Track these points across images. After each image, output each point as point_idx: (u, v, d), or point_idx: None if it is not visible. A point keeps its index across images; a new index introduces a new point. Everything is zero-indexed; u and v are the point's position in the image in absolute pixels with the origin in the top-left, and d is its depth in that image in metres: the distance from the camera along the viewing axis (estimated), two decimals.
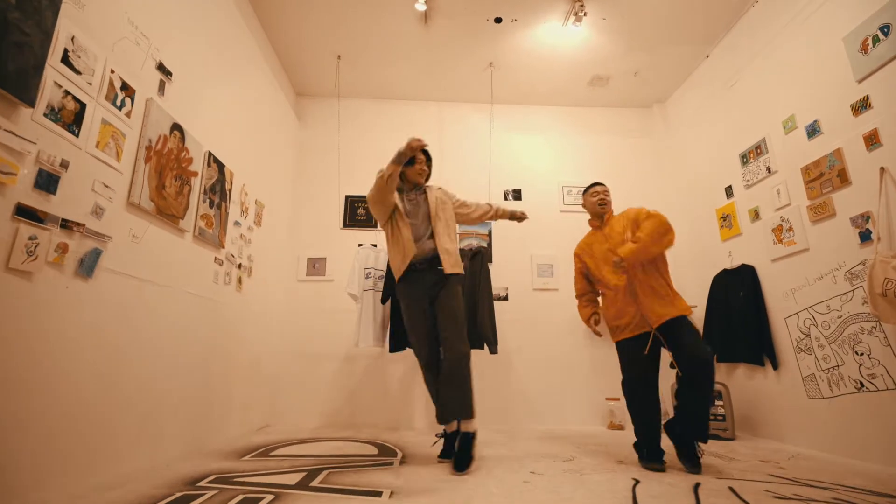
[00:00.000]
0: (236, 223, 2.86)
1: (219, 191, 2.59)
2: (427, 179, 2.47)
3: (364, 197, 3.95)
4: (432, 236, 2.28)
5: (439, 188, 2.49)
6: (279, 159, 3.70)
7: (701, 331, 3.46)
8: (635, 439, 2.28)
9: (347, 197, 4.00)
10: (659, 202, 4.13)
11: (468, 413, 2.11)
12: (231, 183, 2.74)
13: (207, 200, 2.45)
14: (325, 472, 1.96)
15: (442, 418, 2.27)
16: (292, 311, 3.69)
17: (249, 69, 3.12)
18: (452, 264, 2.24)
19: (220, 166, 2.60)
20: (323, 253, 3.84)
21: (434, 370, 2.30)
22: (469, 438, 2.08)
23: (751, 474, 1.99)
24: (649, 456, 2.15)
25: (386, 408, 3.54)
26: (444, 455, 2.25)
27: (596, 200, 2.49)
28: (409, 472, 2.03)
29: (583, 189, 4.12)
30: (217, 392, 2.62)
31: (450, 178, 4.09)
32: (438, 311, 2.21)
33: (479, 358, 3.48)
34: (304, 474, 1.94)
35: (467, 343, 2.20)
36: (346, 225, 3.92)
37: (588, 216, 2.60)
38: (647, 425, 2.22)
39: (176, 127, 2.13)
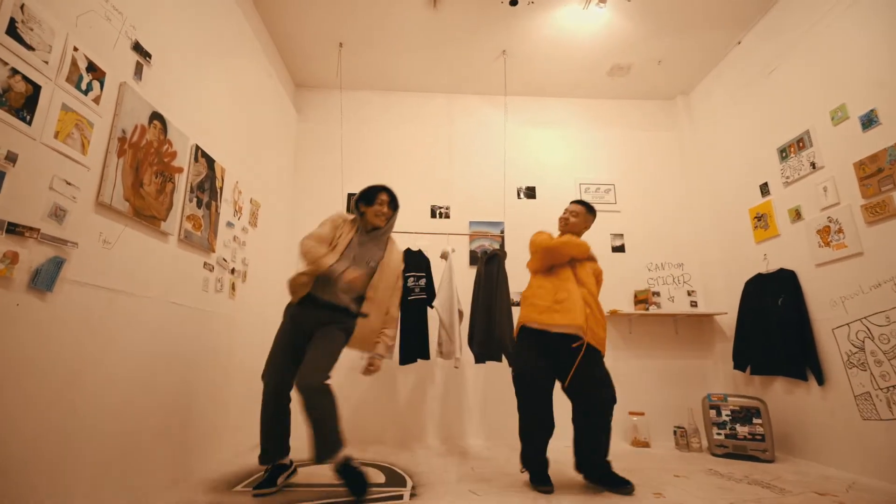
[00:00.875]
0: (229, 224, 2.61)
1: (208, 189, 2.34)
2: (388, 226, 2.19)
3: None
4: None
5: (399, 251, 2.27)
6: (277, 155, 3.45)
7: (733, 338, 3.20)
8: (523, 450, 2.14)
9: (350, 195, 3.74)
10: (683, 200, 3.88)
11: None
12: (222, 180, 2.49)
13: (195, 199, 2.20)
14: None
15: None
16: None
17: (243, 56, 2.86)
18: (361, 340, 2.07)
19: (210, 162, 2.35)
20: None
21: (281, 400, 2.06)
22: (349, 465, 1.83)
23: None
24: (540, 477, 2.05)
25: (395, 423, 3.29)
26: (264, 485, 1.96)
27: (560, 218, 2.42)
28: None
29: (600, 186, 3.91)
30: (206, 411, 2.37)
31: (460, 177, 3.84)
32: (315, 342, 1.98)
33: (496, 370, 3.24)
34: None
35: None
36: None
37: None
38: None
39: (156, 116, 1.88)
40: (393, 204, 2.18)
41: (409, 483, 2.13)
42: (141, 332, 1.82)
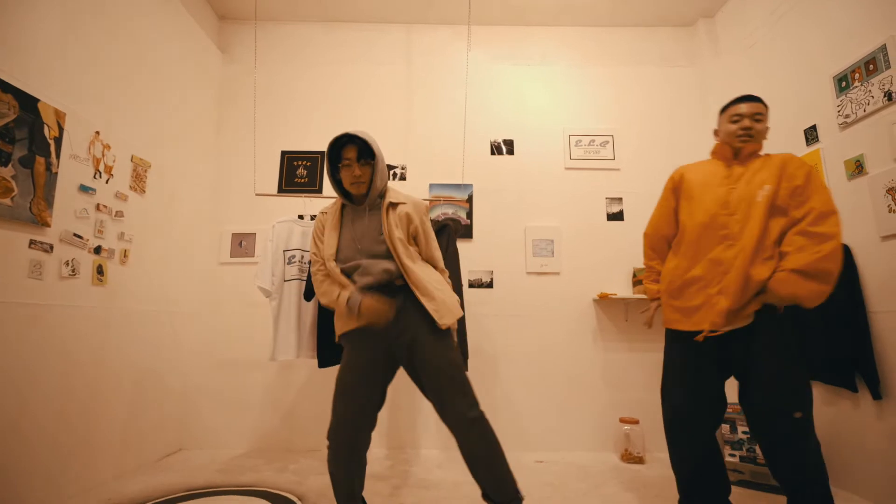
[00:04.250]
0: (84, 188, 1.98)
1: (26, 139, 1.69)
2: (374, 186, 1.51)
3: (306, 153, 3.03)
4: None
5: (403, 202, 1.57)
6: (186, 103, 2.76)
7: None
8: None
9: (284, 153, 3.06)
10: (701, 155, 3.08)
11: None
12: (59, 128, 1.84)
13: None
14: None
15: None
16: (211, 304, 2.86)
17: None
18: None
19: (26, 100, 1.69)
20: (252, 227, 2.96)
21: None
22: None
23: None
24: None
25: None
26: None
27: (736, 128, 1.58)
28: None
29: (595, 137, 3.11)
30: (57, 430, 1.82)
31: (420, 130, 3.12)
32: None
33: None
34: None
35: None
36: (282, 190, 3.01)
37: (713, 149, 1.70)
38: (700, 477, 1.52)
39: None
40: (364, 154, 1.49)
41: None
42: None
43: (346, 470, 1.48)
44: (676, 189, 1.73)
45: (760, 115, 1.58)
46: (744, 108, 1.59)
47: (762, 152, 1.62)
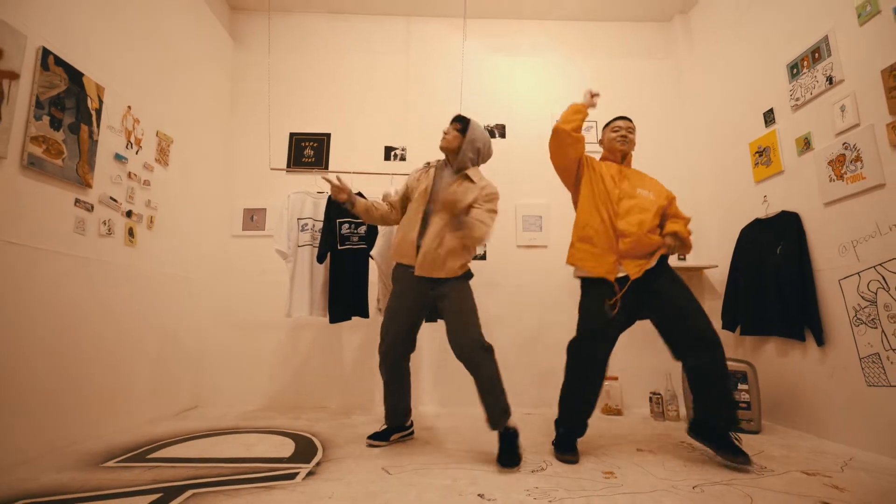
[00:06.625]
0: (119, 157, 2.19)
1: (73, 108, 1.90)
2: (463, 153, 2.02)
3: (313, 134, 3.25)
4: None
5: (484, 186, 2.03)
6: (202, 86, 2.97)
7: (722, 295, 2.79)
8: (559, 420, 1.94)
9: (292, 135, 3.28)
10: (676, 139, 3.37)
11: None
12: (99, 101, 2.05)
13: (48, 118, 1.77)
14: (187, 495, 1.39)
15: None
16: (225, 272, 3.08)
17: None
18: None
19: (74, 74, 1.90)
20: (262, 202, 3.18)
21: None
22: (514, 435, 1.78)
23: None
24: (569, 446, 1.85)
25: (339, 388, 2.97)
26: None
27: (616, 136, 2.07)
28: (314, 489, 1.45)
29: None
30: (94, 373, 2.04)
31: (419, 114, 3.36)
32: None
33: (442, 329, 2.89)
34: (157, 496, 1.37)
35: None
36: (290, 168, 3.23)
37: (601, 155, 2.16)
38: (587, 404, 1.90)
39: None
40: (460, 123, 2.03)
41: (317, 458, 1.80)
42: None
43: (395, 375, 1.98)
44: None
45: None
46: (621, 123, 2.08)
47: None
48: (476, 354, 1.81)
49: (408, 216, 1.98)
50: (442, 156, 2.13)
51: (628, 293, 1.82)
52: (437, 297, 1.90)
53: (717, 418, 1.77)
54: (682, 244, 1.89)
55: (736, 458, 1.69)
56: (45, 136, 1.76)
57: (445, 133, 2.03)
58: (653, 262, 1.86)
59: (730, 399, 1.82)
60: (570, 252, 1.98)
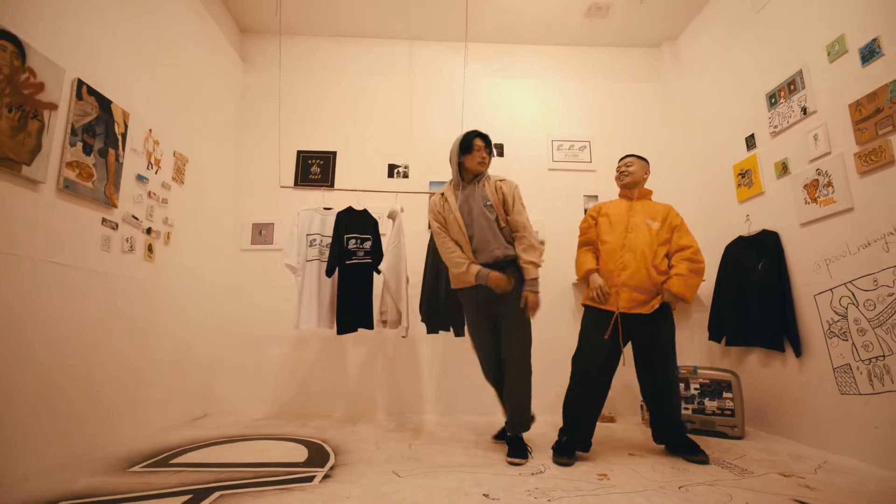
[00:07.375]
0: (140, 178, 2.32)
1: (102, 134, 2.03)
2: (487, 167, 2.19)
3: (319, 152, 3.39)
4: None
5: (502, 180, 2.18)
6: (214, 107, 3.11)
7: (709, 308, 2.95)
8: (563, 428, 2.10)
9: (300, 152, 3.43)
10: (665, 159, 3.55)
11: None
12: (125, 126, 2.18)
13: (80, 144, 1.90)
14: (215, 496, 1.51)
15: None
16: (234, 285, 3.19)
17: None
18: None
19: (104, 102, 2.04)
20: (270, 217, 3.31)
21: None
22: (520, 439, 2.09)
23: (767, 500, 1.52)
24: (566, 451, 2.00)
25: (344, 397, 3.09)
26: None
27: (617, 176, 2.31)
28: (332, 490, 1.57)
29: (574, 143, 3.58)
30: (117, 383, 2.15)
31: (420, 133, 3.52)
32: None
33: (454, 341, 3.02)
34: (187, 497, 1.48)
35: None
36: (298, 184, 3.37)
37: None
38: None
39: (5, 36, 1.56)
40: (489, 147, 2.17)
41: (330, 462, 1.92)
42: (12, 294, 1.57)
43: (497, 378, 2.20)
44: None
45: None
46: (620, 163, 2.31)
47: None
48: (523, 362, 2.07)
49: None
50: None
51: (622, 322, 2.02)
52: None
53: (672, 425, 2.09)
54: (680, 300, 2.06)
55: (696, 456, 1.99)
56: (78, 160, 1.89)
57: (484, 158, 2.14)
58: (646, 310, 2.04)
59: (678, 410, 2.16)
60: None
